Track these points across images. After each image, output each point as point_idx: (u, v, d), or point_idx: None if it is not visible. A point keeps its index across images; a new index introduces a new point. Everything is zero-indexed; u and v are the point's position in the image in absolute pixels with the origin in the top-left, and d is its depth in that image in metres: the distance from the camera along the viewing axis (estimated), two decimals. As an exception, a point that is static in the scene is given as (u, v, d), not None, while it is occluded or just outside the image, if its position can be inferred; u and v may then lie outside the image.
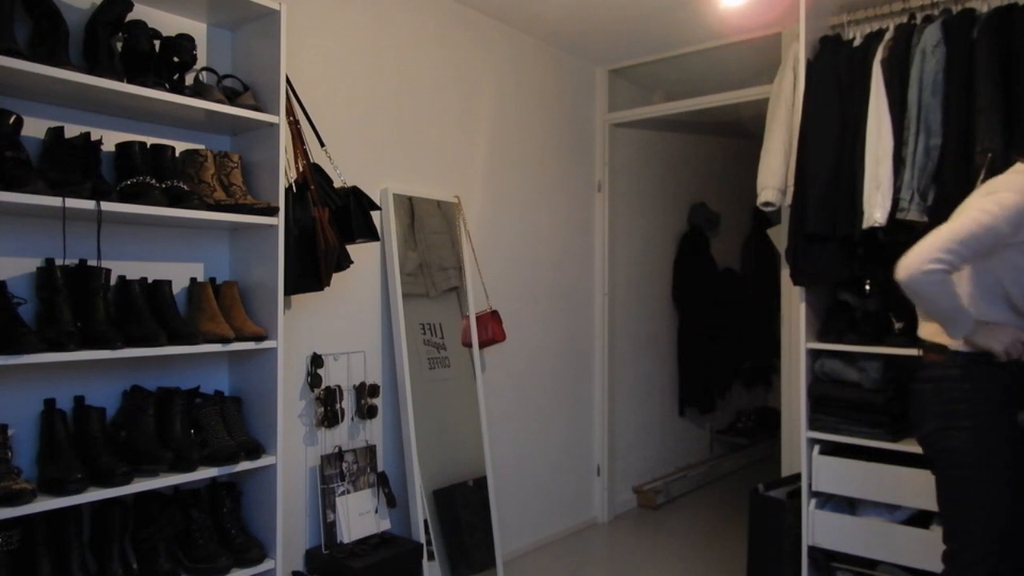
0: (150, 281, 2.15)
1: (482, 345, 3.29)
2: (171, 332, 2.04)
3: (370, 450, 2.83)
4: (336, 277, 2.52)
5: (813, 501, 2.70)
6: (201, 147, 2.29)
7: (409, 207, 3.05)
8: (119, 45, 2.11)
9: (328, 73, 2.80)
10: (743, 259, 5.68)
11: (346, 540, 2.65)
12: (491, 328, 3.30)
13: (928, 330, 1.99)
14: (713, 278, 5.18)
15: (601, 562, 3.62)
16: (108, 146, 2.10)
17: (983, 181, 2.15)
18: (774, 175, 2.97)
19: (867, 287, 2.71)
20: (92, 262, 1.99)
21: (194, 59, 2.24)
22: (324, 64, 2.79)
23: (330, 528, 2.65)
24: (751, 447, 5.33)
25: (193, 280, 2.30)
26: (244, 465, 2.17)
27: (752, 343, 5.45)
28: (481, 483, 3.15)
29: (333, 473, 2.70)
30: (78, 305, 1.93)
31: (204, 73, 2.32)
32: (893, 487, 2.53)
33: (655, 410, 4.71)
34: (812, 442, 2.71)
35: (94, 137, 2.00)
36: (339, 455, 2.73)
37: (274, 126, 2.29)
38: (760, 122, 3.12)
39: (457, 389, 3.16)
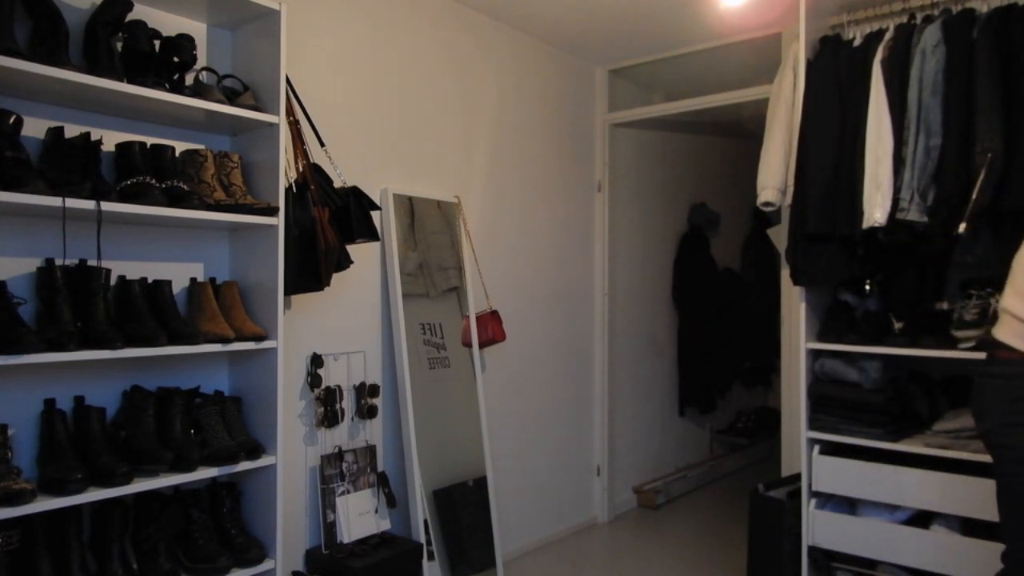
0: (150, 281, 2.15)
1: (482, 345, 3.29)
2: (171, 332, 2.04)
3: (370, 450, 2.83)
4: (336, 277, 2.52)
5: (813, 501, 2.70)
6: (201, 147, 2.29)
7: (409, 207, 3.05)
8: (119, 45, 2.11)
9: (328, 73, 2.80)
10: (743, 259, 5.68)
11: (346, 540, 2.65)
12: (491, 328, 3.30)
13: (1008, 333, 1.91)
14: (713, 278, 5.18)
15: (601, 562, 3.62)
16: (108, 146, 2.10)
17: (983, 181, 2.15)
18: (774, 175, 2.97)
19: (867, 287, 2.70)
20: (92, 262, 1.99)
21: (194, 59, 2.24)
22: (324, 64, 2.79)
23: (330, 528, 2.65)
24: (751, 447, 5.33)
25: (193, 280, 2.30)
26: (244, 465, 2.17)
27: (752, 343, 5.44)
28: (481, 483, 3.15)
29: (333, 473, 2.70)
30: (78, 305, 1.93)
31: (204, 73, 2.32)
32: (893, 487, 2.53)
33: (655, 410, 4.71)
34: (812, 442, 2.71)
35: (94, 137, 2.00)
36: (339, 455, 2.73)
37: (274, 126, 2.30)
38: (760, 122, 3.12)
39: (457, 389, 3.16)
